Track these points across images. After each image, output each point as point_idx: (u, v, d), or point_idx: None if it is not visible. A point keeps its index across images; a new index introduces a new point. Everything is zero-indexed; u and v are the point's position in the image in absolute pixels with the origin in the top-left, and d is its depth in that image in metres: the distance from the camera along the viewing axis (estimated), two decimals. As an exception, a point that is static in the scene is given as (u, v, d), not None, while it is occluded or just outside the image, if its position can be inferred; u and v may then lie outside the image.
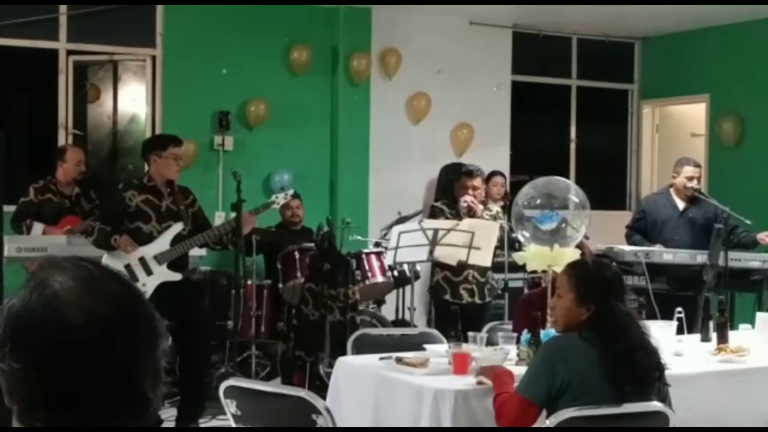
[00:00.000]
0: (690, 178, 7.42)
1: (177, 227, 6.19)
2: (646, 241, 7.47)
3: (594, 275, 3.78)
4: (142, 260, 6.09)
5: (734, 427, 4.43)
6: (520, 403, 3.59)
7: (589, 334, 3.60)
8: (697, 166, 7.57)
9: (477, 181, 7.01)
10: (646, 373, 3.60)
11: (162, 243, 6.14)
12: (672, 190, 7.60)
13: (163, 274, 6.12)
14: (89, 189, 7.47)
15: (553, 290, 4.90)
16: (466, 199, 6.89)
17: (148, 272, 6.09)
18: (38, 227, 7.07)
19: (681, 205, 7.52)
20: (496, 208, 7.28)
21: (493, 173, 9.23)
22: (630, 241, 7.58)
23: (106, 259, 5.95)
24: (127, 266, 6.02)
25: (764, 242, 7.23)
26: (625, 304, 3.72)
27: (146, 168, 6.45)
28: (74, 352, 1.28)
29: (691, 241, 7.35)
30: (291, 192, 6.92)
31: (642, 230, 7.59)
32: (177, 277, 6.17)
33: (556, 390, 3.53)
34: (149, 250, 6.11)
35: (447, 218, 6.95)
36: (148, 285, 6.01)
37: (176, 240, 6.17)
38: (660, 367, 3.65)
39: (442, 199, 7.53)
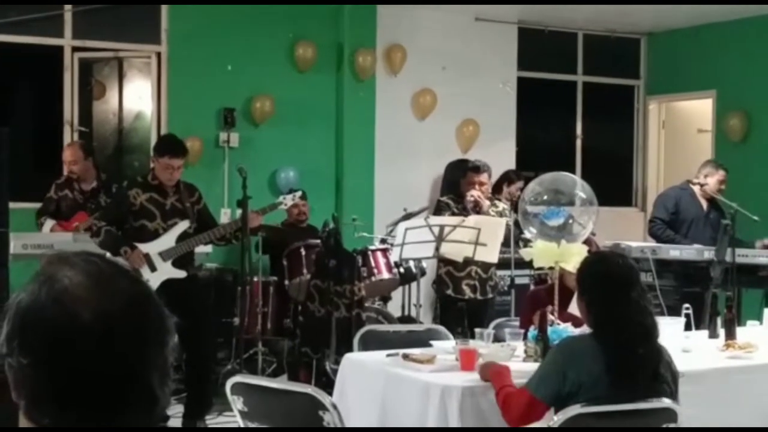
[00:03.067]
0: (721, 182, 7.55)
1: (183, 225, 6.19)
2: (679, 237, 7.51)
3: (593, 269, 3.77)
4: (147, 257, 6.09)
5: (736, 427, 4.41)
6: (529, 399, 3.58)
7: (600, 332, 3.59)
8: (726, 170, 7.70)
9: (484, 177, 7.05)
10: (642, 372, 3.57)
11: (167, 240, 6.14)
12: (697, 190, 7.65)
13: (168, 271, 6.12)
14: (111, 184, 7.48)
15: (560, 286, 4.92)
16: (473, 194, 6.92)
17: (153, 269, 6.09)
18: (49, 224, 7.13)
19: (705, 205, 7.61)
20: (502, 205, 7.28)
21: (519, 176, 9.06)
22: (662, 234, 7.56)
23: (110, 256, 5.96)
24: (132, 266, 6.02)
25: None
26: (632, 299, 3.61)
27: (149, 163, 6.44)
28: (82, 348, 1.27)
29: (713, 242, 7.36)
30: (299, 193, 6.91)
31: (672, 225, 7.61)
32: (181, 274, 6.16)
33: (566, 393, 3.51)
34: (154, 247, 6.11)
35: (453, 213, 6.97)
36: (151, 281, 5.99)
37: (182, 238, 6.17)
38: (674, 373, 3.63)
39: (447, 195, 7.52)
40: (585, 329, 4.06)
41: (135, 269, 5.95)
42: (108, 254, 5.93)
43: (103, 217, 6.22)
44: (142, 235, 6.11)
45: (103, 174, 7.59)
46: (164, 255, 6.12)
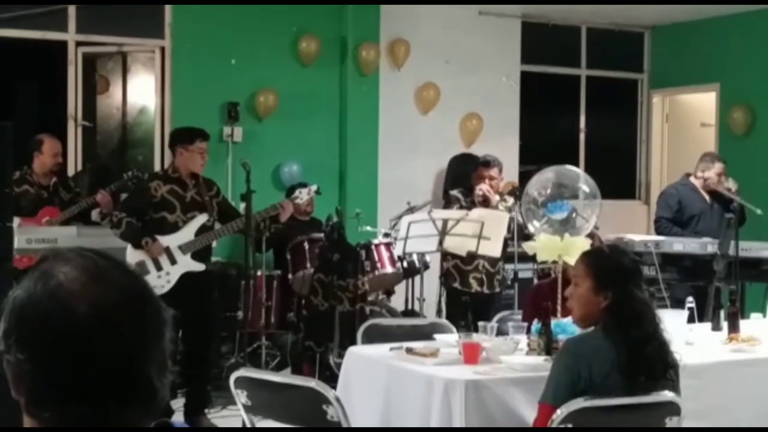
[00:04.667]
0: (719, 174, 7.52)
1: (202, 218, 6.25)
2: (687, 233, 7.50)
3: (612, 262, 3.71)
4: (167, 250, 6.16)
5: (736, 427, 4.40)
6: (552, 412, 3.49)
7: (609, 327, 3.56)
8: (724, 162, 7.66)
9: (494, 171, 7.07)
10: (656, 364, 3.57)
11: (187, 233, 6.20)
12: (698, 184, 7.63)
13: (187, 264, 6.18)
14: (68, 178, 7.46)
15: (564, 280, 4.89)
16: (482, 188, 6.94)
17: (173, 261, 6.17)
18: (15, 221, 7.02)
19: (707, 198, 7.60)
20: (511, 200, 7.29)
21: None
22: (668, 233, 7.56)
23: (131, 248, 6.11)
24: (153, 256, 6.12)
25: None
26: (642, 291, 3.67)
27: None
28: (79, 343, 1.27)
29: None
30: (315, 188, 6.91)
31: (678, 222, 7.61)
32: (200, 267, 6.23)
33: (580, 390, 3.49)
34: (174, 240, 6.16)
35: (462, 207, 6.98)
36: (172, 274, 6.10)
37: (201, 231, 6.22)
38: (672, 362, 3.62)
39: (453, 189, 7.53)
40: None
41: (154, 259, 6.04)
42: (130, 246, 6.12)
43: (123, 209, 6.29)
44: (162, 227, 6.18)
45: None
46: (184, 248, 6.18)
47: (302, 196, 6.81)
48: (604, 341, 3.55)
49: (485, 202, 6.94)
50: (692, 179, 7.74)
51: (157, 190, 6.20)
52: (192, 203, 6.25)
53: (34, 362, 1.28)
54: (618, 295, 3.59)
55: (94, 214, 7.04)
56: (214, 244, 6.64)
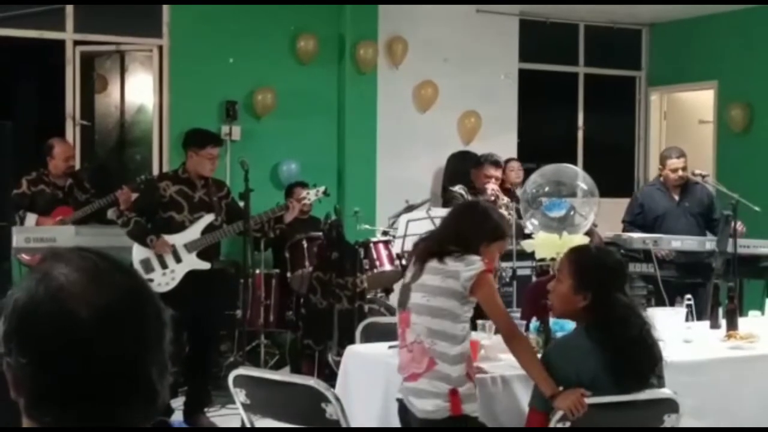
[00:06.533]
0: (675, 170, 7.40)
1: (208, 218, 6.28)
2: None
3: (595, 263, 3.68)
4: (173, 248, 6.16)
5: (734, 427, 4.40)
6: (541, 417, 3.52)
7: (592, 328, 3.55)
8: (680, 156, 7.48)
9: (500, 172, 7.14)
10: (643, 368, 3.56)
11: (193, 232, 6.23)
12: (665, 182, 7.58)
13: (192, 263, 6.21)
14: (83, 179, 7.48)
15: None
16: (493, 188, 7.00)
17: (178, 260, 6.20)
18: (31, 218, 7.05)
19: (676, 196, 7.52)
20: (506, 198, 7.33)
21: (509, 159, 9.33)
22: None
23: (138, 246, 6.18)
24: (158, 253, 6.15)
25: None
26: (626, 294, 3.63)
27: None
28: (81, 345, 1.27)
29: (690, 231, 7.34)
30: (323, 189, 6.90)
31: (640, 224, 7.55)
32: (205, 265, 6.25)
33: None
34: (180, 239, 6.19)
35: None
36: (177, 272, 6.14)
37: (207, 230, 6.24)
38: (658, 361, 3.60)
39: (451, 186, 7.53)
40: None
41: (159, 257, 6.06)
42: (136, 244, 6.19)
43: (133, 209, 6.32)
44: (170, 227, 6.22)
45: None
46: (189, 246, 6.21)
47: (310, 197, 6.81)
48: (588, 342, 3.53)
49: (494, 202, 6.98)
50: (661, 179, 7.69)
51: (165, 190, 6.24)
52: (200, 203, 6.29)
53: (35, 366, 1.28)
54: (598, 296, 3.56)
55: (110, 213, 7.07)
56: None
